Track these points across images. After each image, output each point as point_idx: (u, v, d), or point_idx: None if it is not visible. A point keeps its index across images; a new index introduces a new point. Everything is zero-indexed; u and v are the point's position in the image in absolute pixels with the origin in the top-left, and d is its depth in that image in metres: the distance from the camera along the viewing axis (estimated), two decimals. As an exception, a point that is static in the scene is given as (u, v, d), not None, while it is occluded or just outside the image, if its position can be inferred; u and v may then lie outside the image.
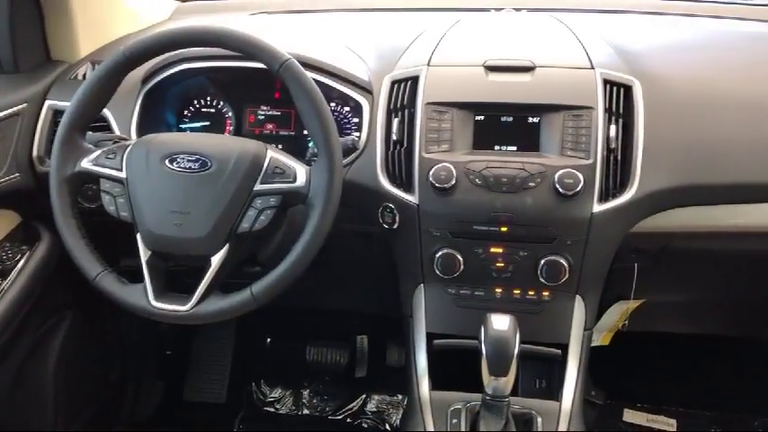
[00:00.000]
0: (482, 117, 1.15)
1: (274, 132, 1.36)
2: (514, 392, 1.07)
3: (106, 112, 1.25)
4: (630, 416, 1.91)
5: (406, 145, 1.17)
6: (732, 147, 1.17)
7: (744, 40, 1.43)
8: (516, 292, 1.19)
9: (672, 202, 1.16)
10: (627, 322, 1.46)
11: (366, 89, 1.24)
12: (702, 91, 1.22)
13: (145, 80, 1.30)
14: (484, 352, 1.02)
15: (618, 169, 1.12)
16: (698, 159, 1.16)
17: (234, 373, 2.01)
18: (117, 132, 1.26)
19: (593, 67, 1.17)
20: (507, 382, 1.02)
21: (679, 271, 1.34)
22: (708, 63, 1.30)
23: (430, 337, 1.21)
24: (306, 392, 2.03)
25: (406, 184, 1.16)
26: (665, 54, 1.31)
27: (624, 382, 1.89)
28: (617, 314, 1.43)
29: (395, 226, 1.18)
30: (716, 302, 1.49)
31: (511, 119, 1.15)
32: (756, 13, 1.62)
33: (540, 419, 1.12)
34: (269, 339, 2.09)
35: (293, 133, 1.36)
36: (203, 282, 1.04)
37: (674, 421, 1.90)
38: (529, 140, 1.14)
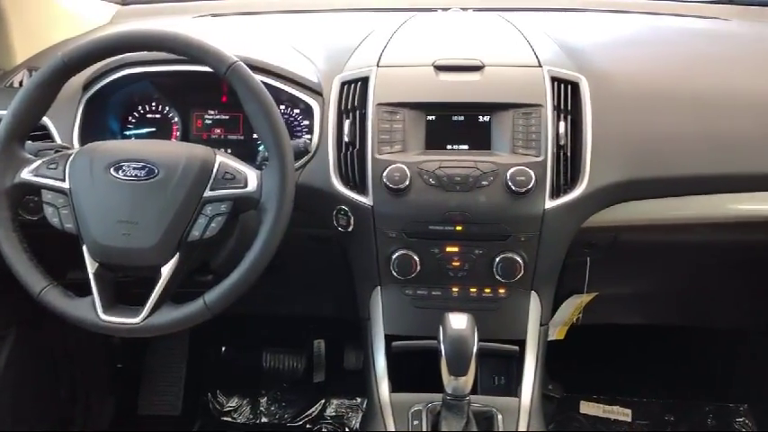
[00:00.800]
0: (433, 117, 1.15)
1: (223, 137, 1.34)
2: (474, 390, 1.07)
3: (46, 120, 1.20)
4: (587, 408, 1.95)
5: (358, 146, 1.16)
6: (677, 140, 1.20)
7: (683, 36, 1.47)
8: (473, 290, 1.19)
9: (621, 196, 1.18)
10: (581, 316, 1.47)
11: (316, 91, 1.23)
12: (647, 86, 1.24)
13: (86, 86, 1.26)
14: (443, 352, 1.01)
15: (568, 165, 1.14)
16: (645, 153, 1.18)
17: (188, 384, 1.96)
18: (58, 141, 1.22)
19: (540, 65, 1.19)
20: (467, 380, 1.02)
21: (630, 263, 1.37)
22: (650, 58, 1.33)
23: (388, 338, 1.20)
24: (263, 400, 2.00)
25: (359, 185, 1.15)
26: (609, 50, 1.33)
27: (580, 375, 1.92)
28: (571, 308, 1.45)
29: (349, 228, 1.17)
30: (666, 293, 1.52)
31: (462, 118, 1.15)
32: (694, 9, 1.67)
33: (500, 416, 1.13)
34: (223, 348, 2.06)
35: (242, 137, 1.33)
36: (154, 293, 1.01)
37: (629, 411, 1.94)
38: (480, 139, 1.14)
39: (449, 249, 1.15)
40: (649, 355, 1.93)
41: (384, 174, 1.11)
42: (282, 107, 1.27)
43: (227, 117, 1.34)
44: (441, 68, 1.19)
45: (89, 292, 1.02)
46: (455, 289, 1.19)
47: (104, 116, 1.31)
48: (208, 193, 1.01)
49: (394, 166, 1.11)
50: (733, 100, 1.24)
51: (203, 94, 1.32)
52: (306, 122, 1.28)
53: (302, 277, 1.48)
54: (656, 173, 1.18)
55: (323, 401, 1.98)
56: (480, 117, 1.15)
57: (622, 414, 1.93)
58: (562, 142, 1.13)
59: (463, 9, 1.56)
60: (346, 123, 1.17)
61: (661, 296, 1.54)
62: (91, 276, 1.02)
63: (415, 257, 1.15)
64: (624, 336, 1.73)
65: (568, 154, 1.14)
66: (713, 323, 1.67)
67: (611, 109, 1.18)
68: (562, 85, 1.17)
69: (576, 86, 1.18)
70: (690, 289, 1.49)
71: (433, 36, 1.35)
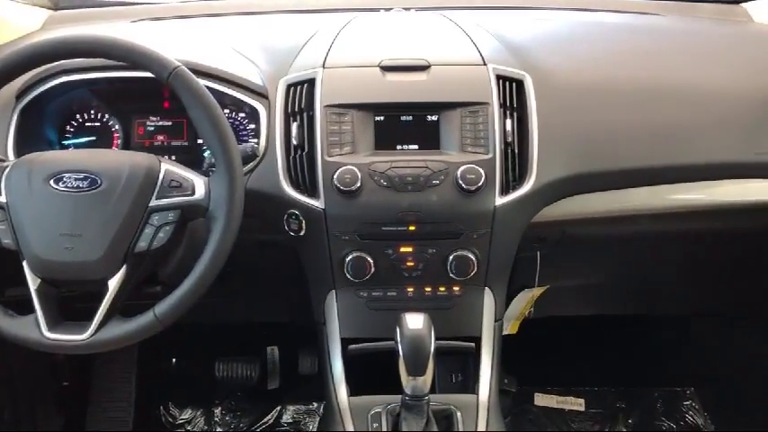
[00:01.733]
0: (382, 117, 1.15)
1: (166, 144, 1.30)
2: (432, 389, 1.07)
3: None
4: (541, 399, 1.98)
5: (307, 149, 1.14)
6: (619, 134, 1.23)
7: (621, 32, 1.50)
8: (428, 289, 1.19)
9: (569, 191, 1.20)
10: (532, 309, 1.50)
11: (261, 94, 1.21)
12: (588, 82, 1.27)
13: (19, 95, 1.21)
14: (400, 352, 1.01)
15: (516, 162, 1.15)
16: (589, 148, 1.20)
17: (139, 398, 1.91)
18: (-9, 154, 1.17)
19: (485, 64, 1.20)
20: (426, 380, 1.02)
21: (578, 256, 1.39)
22: (591, 54, 1.36)
23: (344, 342, 1.20)
24: (218, 410, 1.96)
25: (310, 189, 1.14)
26: (551, 47, 1.35)
27: (534, 368, 1.95)
28: (523, 302, 1.47)
29: (301, 233, 1.15)
30: (614, 283, 1.56)
31: (410, 118, 1.15)
32: (630, 5, 1.71)
33: (459, 414, 1.13)
34: (174, 359, 2.01)
35: (187, 143, 1.30)
36: (101, 307, 0.97)
37: (582, 400, 1.98)
38: (429, 138, 1.15)
39: (403, 250, 1.15)
40: (600, 345, 1.98)
41: (335, 176, 1.10)
42: (227, 111, 1.25)
43: (170, 123, 1.30)
44: (387, 69, 1.19)
45: (31, 310, 0.98)
46: (410, 289, 1.19)
47: (40, 126, 1.26)
48: (154, 202, 0.98)
49: (344, 168, 1.10)
50: (671, 93, 1.28)
51: (144, 100, 1.28)
52: (252, 126, 1.26)
53: (254, 284, 1.45)
54: (601, 167, 1.21)
55: (279, 408, 1.96)
56: (428, 116, 1.15)
57: (576, 404, 1.97)
58: (509, 139, 1.14)
59: (405, 9, 1.56)
60: (294, 126, 1.16)
61: (609, 287, 1.57)
62: (33, 293, 0.98)
63: (369, 259, 1.14)
64: (575, 327, 1.77)
65: (516, 151, 1.15)
66: (660, 311, 1.72)
67: (556, 105, 1.20)
68: (507, 83, 1.18)
69: (520, 84, 1.19)
70: (635, 279, 1.53)
71: (377, 36, 1.35)
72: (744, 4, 1.65)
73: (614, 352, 1.98)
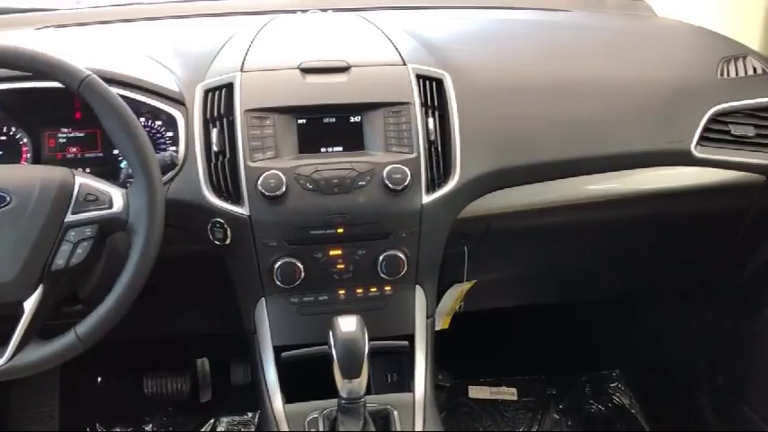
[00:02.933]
0: (304, 120, 1.14)
1: (80, 156, 1.25)
2: (368, 391, 1.07)
3: None
4: (475, 392, 2.01)
5: (229, 155, 1.12)
6: (538, 128, 1.26)
7: (533, 28, 1.54)
8: (359, 291, 1.19)
9: (492, 186, 1.22)
10: (462, 304, 1.51)
11: (178, 100, 1.18)
12: (505, 78, 1.30)
13: None
14: (334, 356, 1.00)
15: (440, 160, 1.16)
16: (509, 144, 1.23)
17: (64, 420, 1.83)
18: None
19: (405, 64, 1.20)
20: (361, 382, 1.01)
21: (504, 249, 1.42)
22: (505, 51, 1.39)
23: (277, 350, 1.18)
24: (148, 427, 1.90)
25: (233, 196, 1.11)
26: (468, 46, 1.37)
27: (467, 361, 1.97)
28: (452, 298, 1.48)
29: (227, 241, 1.13)
30: (539, 274, 1.60)
31: (333, 120, 1.14)
32: (540, 2, 1.76)
33: (396, 413, 1.13)
34: (99, 378, 1.93)
35: (101, 154, 1.25)
36: (18, 330, 0.93)
37: (514, 390, 2.02)
38: (354, 140, 1.14)
39: (332, 253, 1.14)
40: (530, 334, 2.03)
41: (259, 181, 1.08)
42: (143, 120, 1.21)
43: (82, 134, 1.25)
44: (307, 71, 1.18)
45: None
46: (341, 292, 1.18)
47: (-60, 142, 1.19)
48: (70, 218, 0.94)
49: (268, 172, 1.09)
50: (583, 87, 1.32)
51: (54, 111, 1.22)
52: (170, 134, 1.22)
53: (180, 296, 1.41)
54: (521, 161, 1.24)
55: (212, 421, 1.92)
56: (351, 118, 1.15)
57: (508, 394, 2.01)
58: (432, 138, 1.15)
59: (322, 10, 1.55)
60: (214, 132, 1.13)
61: (535, 277, 1.61)
62: (-60, 320, 0.93)
63: (299, 264, 1.13)
64: (504, 318, 1.80)
65: (439, 149, 1.16)
66: (584, 297, 1.77)
67: (475, 103, 1.21)
68: (427, 82, 1.19)
69: (440, 83, 1.20)
70: (560, 267, 1.57)
71: (295, 38, 1.34)
72: (646, -1, 1.73)
73: (543, 340, 2.03)
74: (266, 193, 1.08)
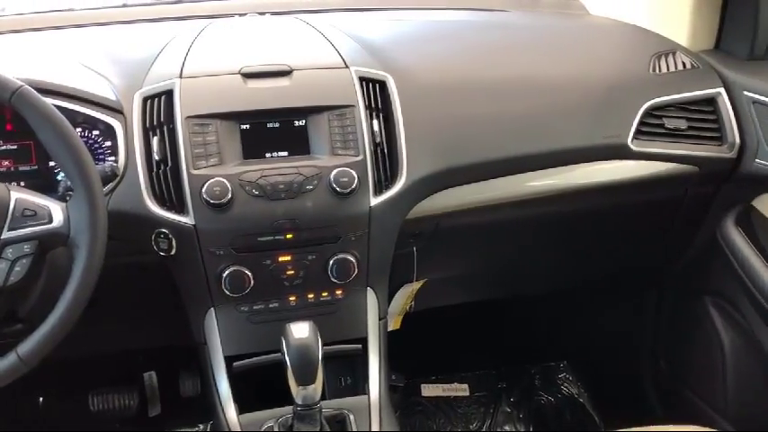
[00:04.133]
0: (247, 126, 1.13)
1: (13, 169, 1.20)
2: (323, 396, 1.06)
3: None
4: (428, 390, 2.02)
5: (171, 164, 1.10)
6: (481, 127, 1.27)
7: (472, 28, 1.56)
8: (310, 296, 1.18)
9: (440, 185, 1.23)
10: (413, 303, 1.52)
11: (115, 109, 1.14)
12: (449, 78, 1.31)
13: None
14: (288, 363, 1.00)
15: (386, 162, 1.16)
16: (455, 143, 1.24)
17: (4, 445, 1.76)
18: None
19: (347, 66, 1.20)
20: (316, 388, 1.01)
21: (452, 247, 1.43)
22: (446, 52, 1.40)
23: (229, 360, 1.16)
24: (96, 446, 1.84)
25: (177, 205, 1.09)
26: (409, 47, 1.38)
27: (419, 360, 1.99)
28: (403, 298, 1.49)
29: (172, 252, 1.10)
30: (487, 270, 1.62)
31: (277, 124, 1.13)
32: (477, 2, 1.79)
33: (352, 416, 1.13)
34: (41, 397, 1.86)
35: (37, 167, 1.20)
36: (-46, 354, 0.89)
37: (465, 386, 2.04)
38: (299, 144, 1.13)
39: (281, 259, 1.13)
40: (480, 330, 2.05)
41: (203, 189, 1.07)
42: (79, 130, 1.17)
43: (15, 147, 1.20)
44: (248, 76, 1.16)
45: None
46: (292, 298, 1.17)
47: None
48: (6, 235, 0.90)
49: (213, 180, 1.07)
50: (522, 85, 1.34)
51: None
52: (108, 144, 1.18)
53: (125, 309, 1.38)
54: (465, 160, 1.25)
55: (163, 435, 1.88)
56: (296, 122, 1.14)
57: (461, 390, 2.04)
58: (378, 140, 1.16)
59: (260, 13, 1.54)
60: (154, 140, 1.11)
61: (484, 273, 1.63)
62: None
63: (248, 272, 1.11)
64: (455, 315, 1.82)
65: (385, 151, 1.16)
66: (531, 291, 1.81)
67: (418, 104, 1.22)
68: (370, 84, 1.19)
69: (383, 84, 1.20)
70: (508, 263, 1.59)
71: (234, 43, 1.32)
72: (579, -2, 1.77)
73: (493, 335, 2.06)
74: (211, 201, 1.06)
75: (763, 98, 1.32)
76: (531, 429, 1.96)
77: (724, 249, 1.41)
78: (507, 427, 1.97)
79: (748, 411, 1.50)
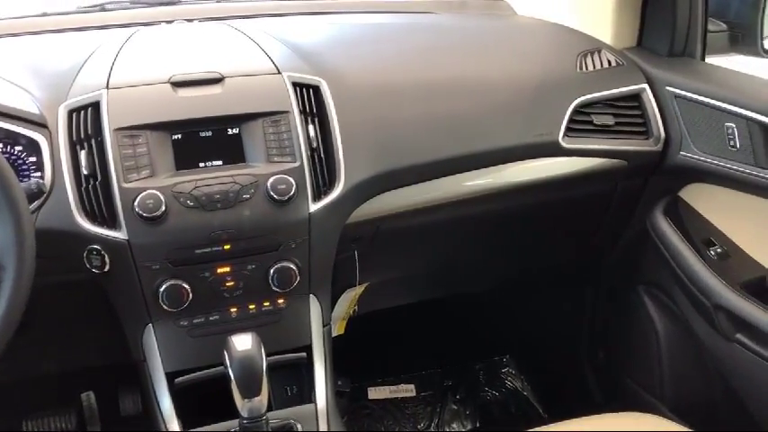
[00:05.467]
0: (179, 135, 1.10)
1: None
2: (269, 407, 1.05)
3: None
4: (374, 393, 2.02)
5: (100, 178, 1.06)
6: (416, 130, 1.28)
7: (403, 31, 1.57)
8: (252, 307, 1.16)
9: (378, 189, 1.24)
10: (356, 307, 1.52)
11: (38, 123, 1.10)
12: (382, 81, 1.31)
13: None
14: (232, 376, 0.98)
15: (324, 167, 1.16)
16: (391, 146, 1.24)
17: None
18: None
19: (279, 72, 1.19)
20: (261, 400, 1.00)
21: (394, 249, 1.44)
22: (379, 54, 1.41)
23: (170, 376, 1.13)
24: (32, 473, 1.77)
25: (109, 220, 1.06)
26: (341, 51, 1.38)
27: (365, 364, 1.98)
28: (346, 302, 1.48)
29: (106, 268, 1.07)
30: (430, 270, 1.63)
31: (210, 133, 1.11)
32: (406, 5, 1.80)
33: (299, 426, 1.12)
34: (-32, 427, 1.78)
35: None
36: None
37: (412, 386, 2.05)
38: (233, 152, 1.11)
39: (220, 270, 1.11)
40: (424, 330, 2.06)
41: (135, 203, 1.04)
42: (0, 146, 1.12)
43: None
44: (178, 84, 1.14)
45: None
46: (233, 309, 1.15)
47: None
48: None
49: (145, 193, 1.04)
50: (453, 87, 1.36)
51: None
52: (33, 159, 1.14)
53: (59, 329, 1.33)
54: (403, 163, 1.25)
55: (103, 456, 1.81)
56: (229, 130, 1.12)
57: (407, 390, 2.04)
58: (314, 145, 1.15)
59: (188, 20, 1.51)
60: (82, 154, 1.07)
61: (426, 273, 1.64)
62: None
63: (186, 286, 1.09)
64: (399, 317, 1.82)
65: (322, 156, 1.16)
66: (473, 288, 1.83)
67: (354, 108, 1.22)
68: (304, 90, 1.18)
69: (317, 89, 1.20)
70: (449, 262, 1.61)
71: (163, 51, 1.29)
72: (505, -1, 1.81)
73: (437, 334, 2.08)
74: (144, 215, 1.03)
75: (684, 93, 1.37)
76: (478, 425, 1.99)
77: (654, 240, 1.46)
78: (454, 425, 1.99)
79: (684, 395, 1.56)
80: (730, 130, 1.28)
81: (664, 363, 1.57)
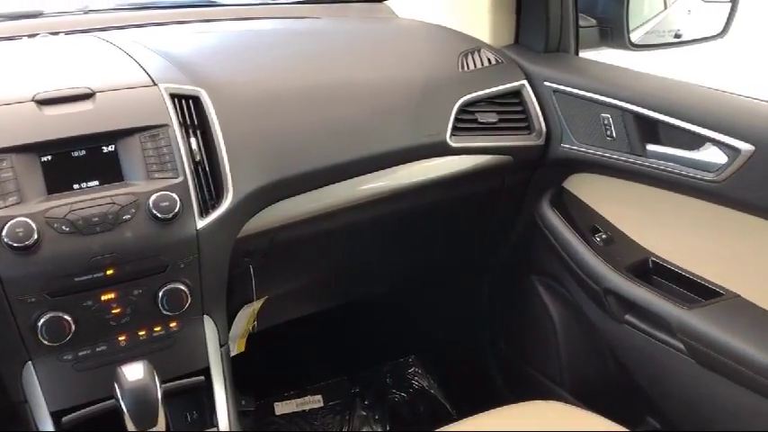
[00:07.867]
0: (49, 157, 1.02)
1: None
2: (169, 436, 1.00)
3: None
4: (281, 408, 1.98)
5: None
6: (303, 136, 1.26)
7: (283, 37, 1.55)
8: (142, 333, 1.10)
9: (269, 199, 1.20)
10: (256, 323, 1.48)
11: None
12: (265, 89, 1.28)
13: None
14: (124, 408, 0.93)
15: (210, 180, 1.11)
16: (279, 154, 1.21)
17: None
18: None
19: (155, 84, 1.13)
20: (159, 430, 0.95)
21: (291, 260, 1.41)
22: (261, 62, 1.38)
23: (56, 415, 1.05)
24: None
25: (-26, 253, 0.97)
26: (220, 59, 1.34)
27: (270, 379, 1.94)
28: (244, 319, 1.44)
29: (-26, 305, 0.98)
30: (328, 278, 1.61)
31: (84, 152, 1.04)
32: (286, 10, 1.77)
33: None
34: None
35: None
36: None
37: (319, 396, 2.03)
38: (110, 171, 1.05)
39: (104, 298, 1.04)
40: (328, 339, 2.04)
41: (3, 232, 0.96)
42: None
43: None
44: (43, 102, 1.06)
45: None
46: (122, 338, 1.09)
47: None
48: None
49: (14, 221, 0.96)
50: (339, 91, 1.34)
51: None
52: None
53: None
54: (292, 171, 1.23)
55: None
56: (104, 148, 1.05)
57: (314, 402, 2.01)
58: (198, 158, 1.10)
59: (53, 33, 1.42)
60: None
61: (325, 282, 1.62)
62: None
63: (67, 317, 1.01)
64: (301, 328, 1.79)
65: (207, 169, 1.11)
66: (374, 291, 1.83)
67: (237, 117, 1.18)
68: (183, 101, 1.13)
69: (197, 100, 1.15)
70: (350, 268, 1.60)
71: (25, 67, 1.20)
72: (386, 2, 1.81)
73: (342, 341, 2.07)
74: (14, 245, 0.96)
75: (562, 87, 1.42)
76: (388, 428, 1.99)
77: (543, 230, 1.50)
78: (365, 430, 1.97)
79: (582, 379, 1.62)
80: (606, 121, 1.35)
81: (561, 349, 1.62)
